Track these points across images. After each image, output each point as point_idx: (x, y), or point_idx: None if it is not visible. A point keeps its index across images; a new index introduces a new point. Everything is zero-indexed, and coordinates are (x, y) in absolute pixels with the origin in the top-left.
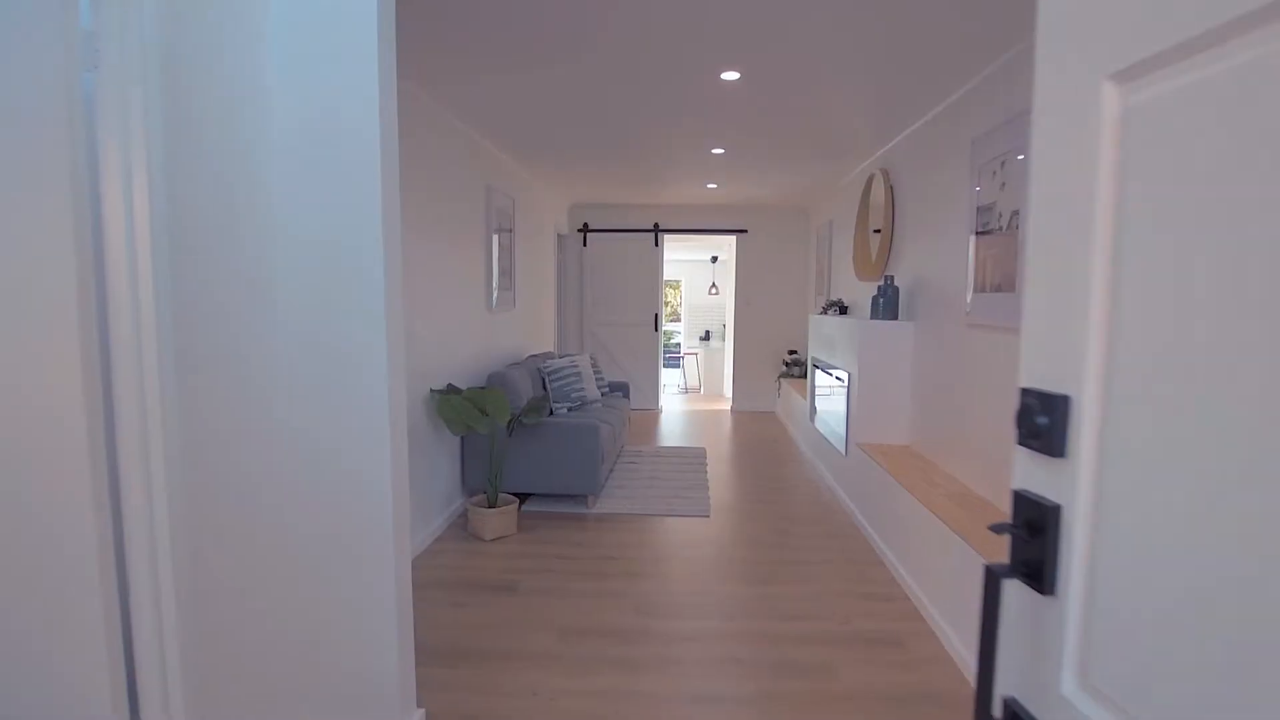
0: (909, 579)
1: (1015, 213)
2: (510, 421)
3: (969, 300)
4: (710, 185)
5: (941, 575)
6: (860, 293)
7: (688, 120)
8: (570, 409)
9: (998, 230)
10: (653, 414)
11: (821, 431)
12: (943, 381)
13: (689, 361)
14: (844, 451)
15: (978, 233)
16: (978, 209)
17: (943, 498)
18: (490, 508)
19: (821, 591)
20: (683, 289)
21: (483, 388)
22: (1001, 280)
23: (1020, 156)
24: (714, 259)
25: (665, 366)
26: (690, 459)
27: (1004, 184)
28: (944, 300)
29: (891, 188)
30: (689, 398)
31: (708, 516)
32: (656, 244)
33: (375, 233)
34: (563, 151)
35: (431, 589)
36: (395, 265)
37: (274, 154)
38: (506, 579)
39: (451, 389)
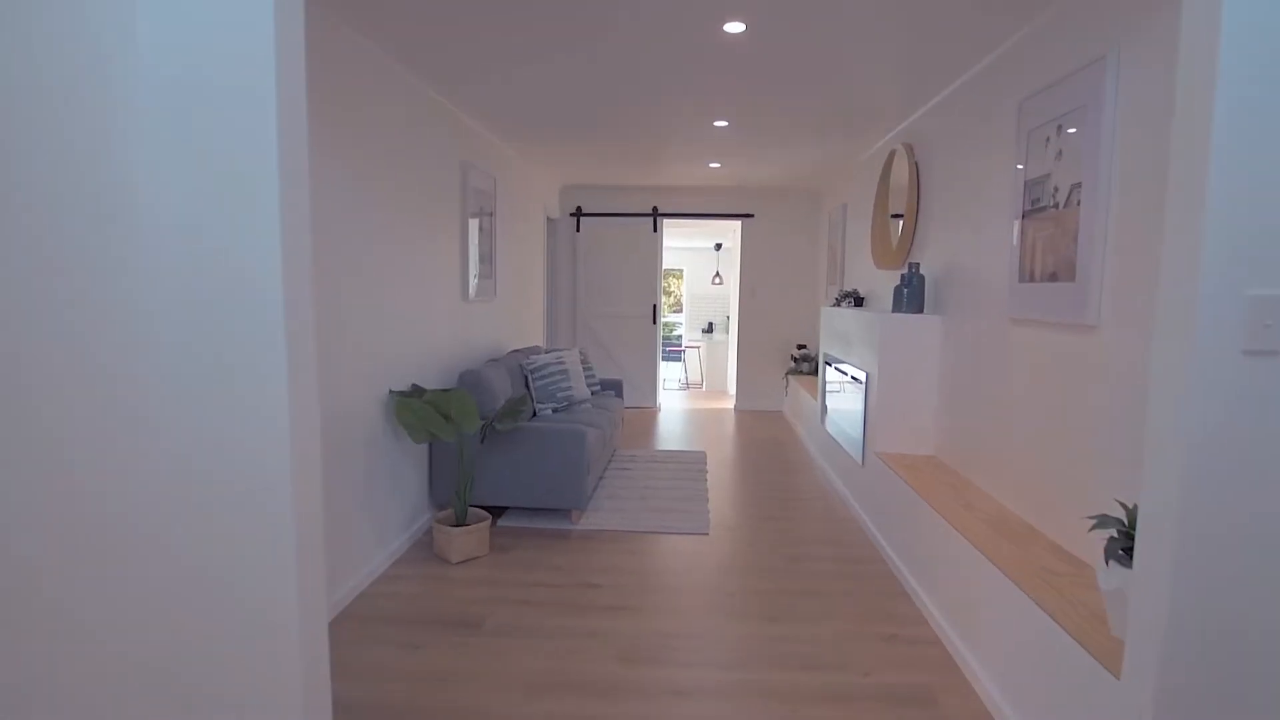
0: (940, 617)
1: (1077, 186)
2: (483, 427)
3: (1011, 291)
4: (713, 164)
5: (981, 616)
6: (878, 282)
7: (687, 85)
8: (556, 410)
9: (1051, 208)
10: (650, 412)
11: (834, 435)
12: (976, 385)
13: (690, 355)
14: (860, 460)
15: (1025, 212)
16: (1025, 184)
17: (979, 522)
18: (458, 526)
19: (837, 632)
20: (685, 278)
21: (447, 390)
22: (1056, 268)
23: (1072, 130)
24: (718, 246)
25: (665, 360)
26: (688, 465)
27: (1060, 152)
28: (979, 291)
29: (916, 164)
30: (690, 394)
31: (706, 534)
32: (655, 229)
33: (271, 192)
34: (548, 126)
35: (381, 625)
36: (300, 233)
37: (135, 116)
38: (471, 613)
39: (415, 390)
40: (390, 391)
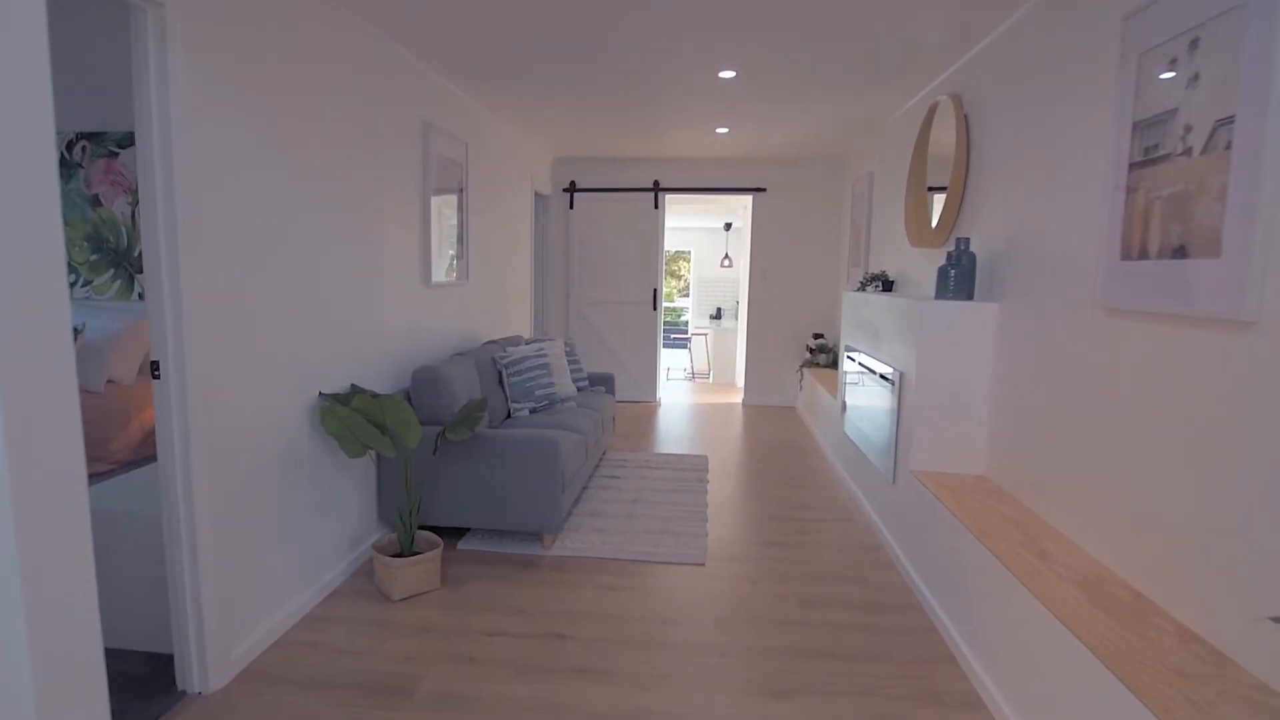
0: (1001, 700)
1: (1225, 122)
2: (438, 436)
3: (1107, 272)
4: (720, 130)
5: (1066, 711)
6: (912, 263)
7: (685, 14)
8: (534, 410)
9: (1178, 156)
10: (649, 408)
11: (856, 442)
12: (1050, 392)
13: (697, 343)
14: (890, 477)
15: (1132, 165)
16: (1134, 127)
17: (1062, 582)
18: (401, 556)
19: (863, 714)
20: (692, 261)
21: (378, 395)
22: (1185, 239)
23: (1217, 44)
24: (727, 226)
25: (673, 347)
26: (687, 472)
27: (1196, 77)
28: (1055, 272)
29: (966, 118)
30: (696, 386)
31: (702, 565)
32: (656, 206)
33: None
34: (524, 72)
35: (288, 690)
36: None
37: None
38: (403, 674)
39: (354, 391)
40: (320, 394)
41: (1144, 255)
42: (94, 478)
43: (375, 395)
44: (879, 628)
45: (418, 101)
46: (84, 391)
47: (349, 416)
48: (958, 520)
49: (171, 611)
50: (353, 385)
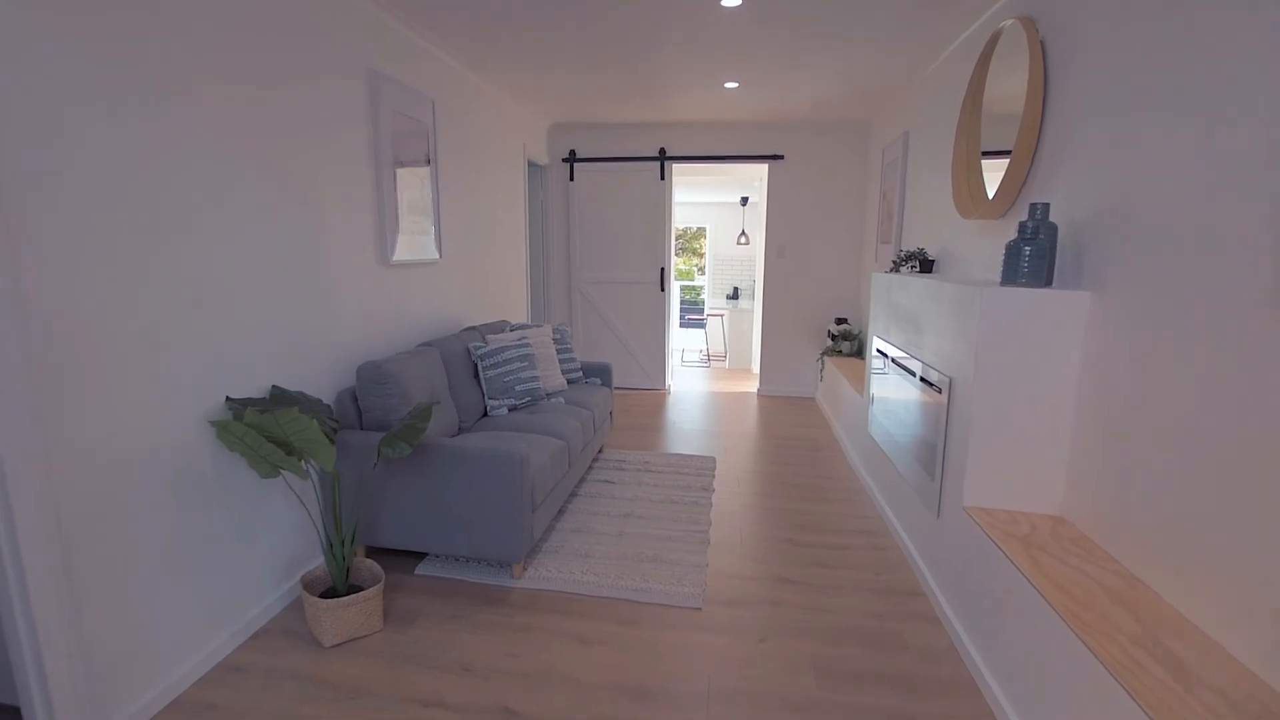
0: None
1: None
2: (378, 456)
3: None
4: (729, 84)
5: None
6: (960, 238)
7: None
8: (514, 408)
9: None
10: (658, 396)
11: (885, 451)
12: (1177, 419)
13: (713, 324)
14: (935, 511)
15: None
16: None
17: (1205, 714)
18: (333, 596)
19: None
20: (710, 237)
21: (265, 409)
22: None
23: None
24: (744, 200)
25: (689, 328)
26: (691, 477)
27: None
28: (1190, 252)
29: (1043, 45)
30: (711, 372)
31: (699, 609)
32: (663, 176)
33: None
34: (498, 17)
35: None
36: None
37: None
38: None
39: (275, 394)
40: (228, 400)
41: None
42: None
43: (265, 409)
44: (923, 719)
45: (361, 46)
46: None
47: (245, 433)
48: (1037, 592)
49: (14, 673)
50: (273, 387)
